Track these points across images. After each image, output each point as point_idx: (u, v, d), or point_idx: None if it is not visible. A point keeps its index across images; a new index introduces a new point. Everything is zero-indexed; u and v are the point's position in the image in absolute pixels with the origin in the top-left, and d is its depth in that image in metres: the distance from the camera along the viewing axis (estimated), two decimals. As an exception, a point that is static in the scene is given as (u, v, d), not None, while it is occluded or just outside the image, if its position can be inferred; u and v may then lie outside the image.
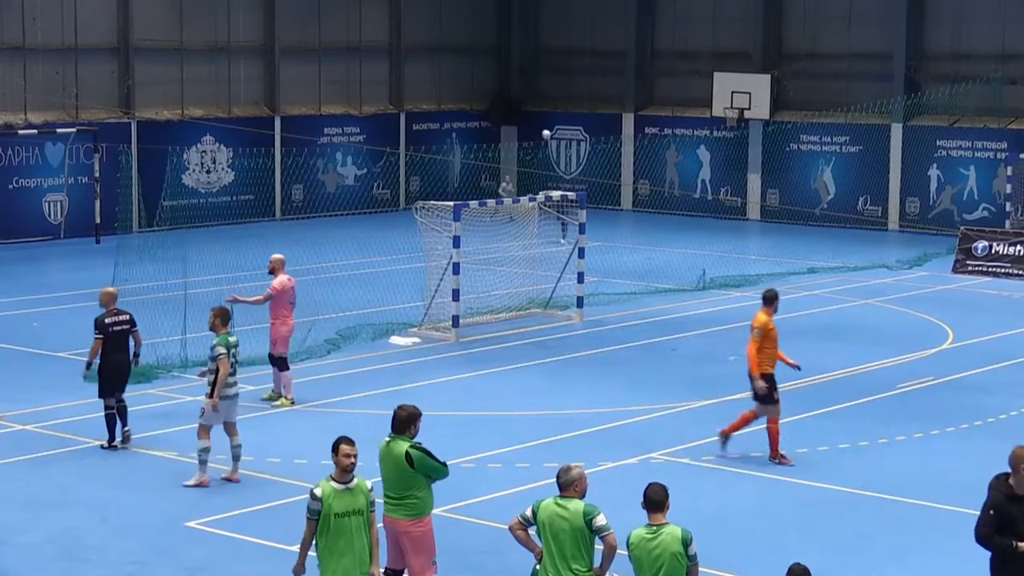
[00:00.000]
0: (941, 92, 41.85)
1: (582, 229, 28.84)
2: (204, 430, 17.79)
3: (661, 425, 20.89)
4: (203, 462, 17.75)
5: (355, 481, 12.08)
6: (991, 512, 11.52)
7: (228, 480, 17.96)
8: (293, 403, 21.66)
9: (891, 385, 23.43)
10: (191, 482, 17.72)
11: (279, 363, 21.87)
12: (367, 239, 37.21)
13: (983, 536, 11.56)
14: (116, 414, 19.40)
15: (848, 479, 18.30)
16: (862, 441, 20.11)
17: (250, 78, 43.72)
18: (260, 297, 22.14)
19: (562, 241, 34.14)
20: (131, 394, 21.81)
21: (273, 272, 22.00)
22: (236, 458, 18.07)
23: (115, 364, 19.44)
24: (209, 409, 17.76)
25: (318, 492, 11.98)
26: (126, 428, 19.52)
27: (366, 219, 43.45)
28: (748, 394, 22.69)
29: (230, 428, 18.03)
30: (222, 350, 17.74)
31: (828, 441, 20.04)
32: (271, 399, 21.84)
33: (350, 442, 12.05)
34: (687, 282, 32.54)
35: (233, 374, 17.92)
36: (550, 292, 29.15)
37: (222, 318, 18.15)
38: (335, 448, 12.06)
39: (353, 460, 12.02)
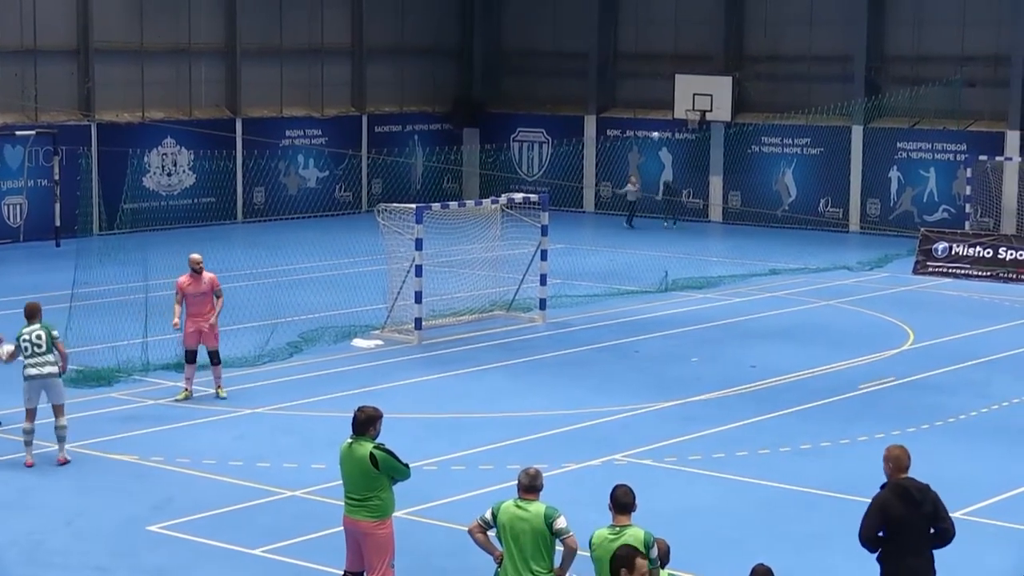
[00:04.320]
0: (901, 94, 42.05)
1: (544, 231, 28.84)
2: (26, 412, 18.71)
3: (624, 426, 20.90)
4: (26, 443, 18.60)
5: None
6: None
7: (60, 463, 18.56)
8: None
9: (853, 386, 23.52)
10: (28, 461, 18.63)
11: (216, 357, 22.14)
12: (329, 241, 37.14)
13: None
14: None
15: (810, 479, 18.36)
16: (824, 442, 20.17)
17: (211, 80, 43.57)
18: (220, 300, 22.24)
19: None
20: (92, 397, 21.78)
21: (201, 270, 22.11)
22: (60, 439, 18.62)
23: None
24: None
25: None
26: None
27: (328, 222, 43.33)
28: (710, 395, 22.84)
29: (56, 409, 18.61)
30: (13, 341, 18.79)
31: (790, 442, 20.09)
32: (187, 398, 21.96)
33: (644, 555, 10.53)
34: (649, 284, 32.59)
35: (31, 356, 18.44)
36: (513, 294, 29.15)
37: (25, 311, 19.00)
38: (629, 565, 10.29)
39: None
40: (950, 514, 12.02)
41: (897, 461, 12.00)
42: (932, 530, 11.85)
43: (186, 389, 22.02)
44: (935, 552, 11.93)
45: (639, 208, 43.95)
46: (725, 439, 20.20)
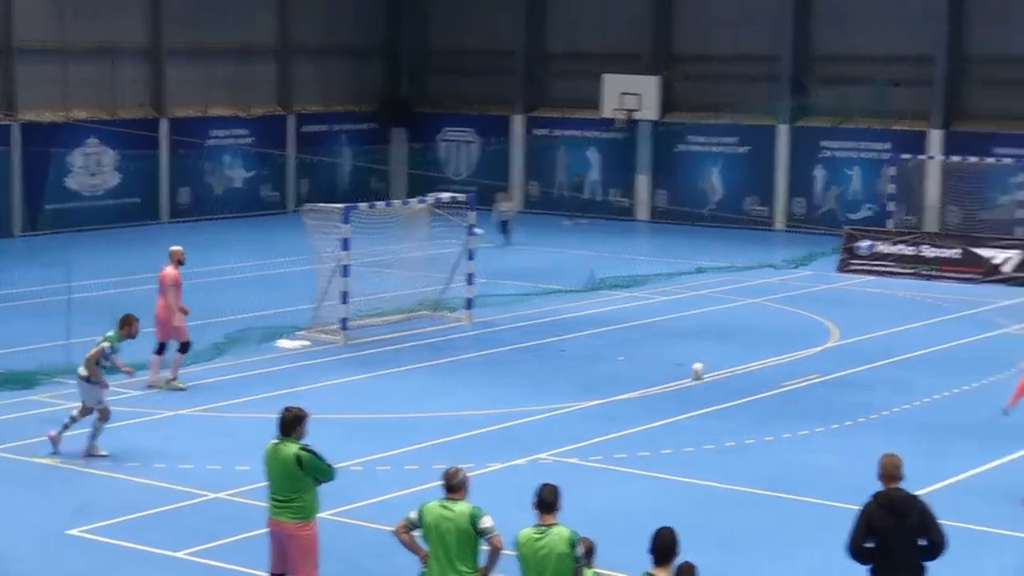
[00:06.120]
0: (827, 94, 42.38)
1: (471, 231, 28.82)
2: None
3: (550, 426, 20.93)
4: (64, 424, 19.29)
5: None
6: None
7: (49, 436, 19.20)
8: None
9: (776, 384, 23.66)
10: None
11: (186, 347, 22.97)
12: (256, 242, 36.96)
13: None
14: None
15: (735, 477, 18.45)
16: (748, 439, 20.29)
17: (136, 80, 43.19)
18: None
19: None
20: (13, 400, 21.56)
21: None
22: (64, 424, 19.18)
23: None
24: None
25: None
26: None
27: (255, 222, 43.14)
28: (636, 393, 22.93)
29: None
30: None
31: (715, 439, 20.19)
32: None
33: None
34: (576, 283, 32.65)
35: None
36: (440, 294, 29.11)
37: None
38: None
39: None
40: (940, 525, 11.85)
41: (883, 469, 11.87)
42: (924, 542, 11.72)
43: (156, 378, 22.61)
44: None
45: (514, 223, 40.57)
46: (650, 437, 20.28)
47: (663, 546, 10.76)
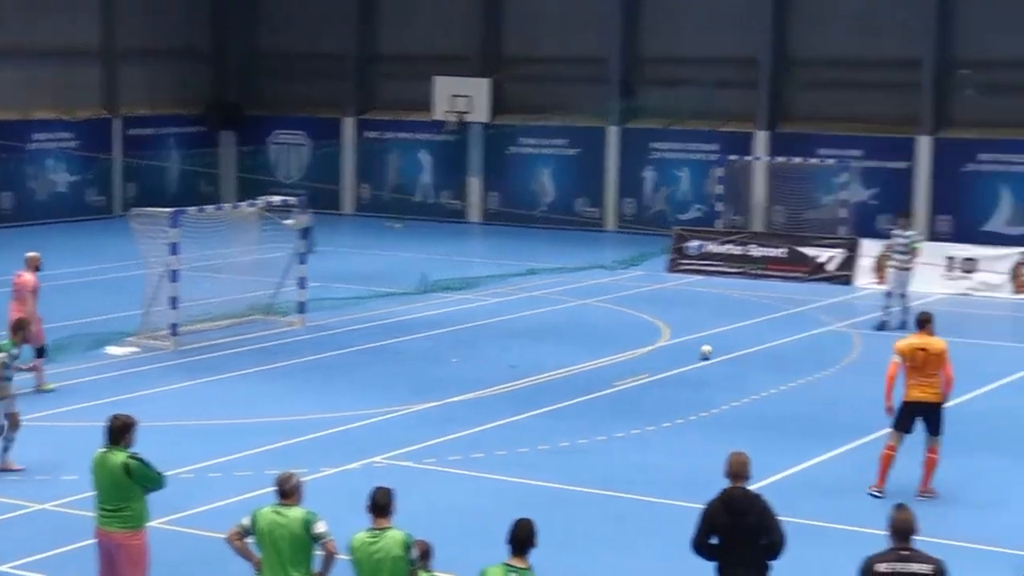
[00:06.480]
0: (655, 95, 42.86)
1: (304, 234, 28.60)
2: None
3: (384, 429, 20.86)
4: None
5: None
6: None
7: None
8: None
9: (608, 383, 23.83)
10: None
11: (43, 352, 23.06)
12: (82, 247, 36.27)
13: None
14: None
15: (569, 477, 18.54)
16: (581, 439, 20.41)
17: (-46, 82, 42.17)
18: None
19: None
20: None
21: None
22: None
23: None
24: None
25: None
26: None
27: (80, 227, 42.34)
28: (469, 395, 22.95)
29: None
30: None
31: (549, 440, 20.28)
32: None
33: None
34: (410, 285, 32.59)
35: None
36: (271, 298, 28.85)
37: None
38: None
39: None
40: (780, 524, 11.92)
41: (729, 467, 11.98)
42: (765, 540, 11.80)
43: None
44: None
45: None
46: (484, 439, 20.30)
47: (521, 536, 10.83)
